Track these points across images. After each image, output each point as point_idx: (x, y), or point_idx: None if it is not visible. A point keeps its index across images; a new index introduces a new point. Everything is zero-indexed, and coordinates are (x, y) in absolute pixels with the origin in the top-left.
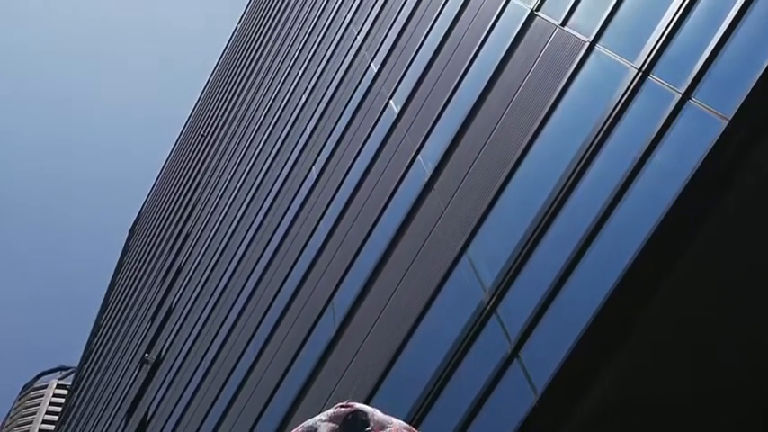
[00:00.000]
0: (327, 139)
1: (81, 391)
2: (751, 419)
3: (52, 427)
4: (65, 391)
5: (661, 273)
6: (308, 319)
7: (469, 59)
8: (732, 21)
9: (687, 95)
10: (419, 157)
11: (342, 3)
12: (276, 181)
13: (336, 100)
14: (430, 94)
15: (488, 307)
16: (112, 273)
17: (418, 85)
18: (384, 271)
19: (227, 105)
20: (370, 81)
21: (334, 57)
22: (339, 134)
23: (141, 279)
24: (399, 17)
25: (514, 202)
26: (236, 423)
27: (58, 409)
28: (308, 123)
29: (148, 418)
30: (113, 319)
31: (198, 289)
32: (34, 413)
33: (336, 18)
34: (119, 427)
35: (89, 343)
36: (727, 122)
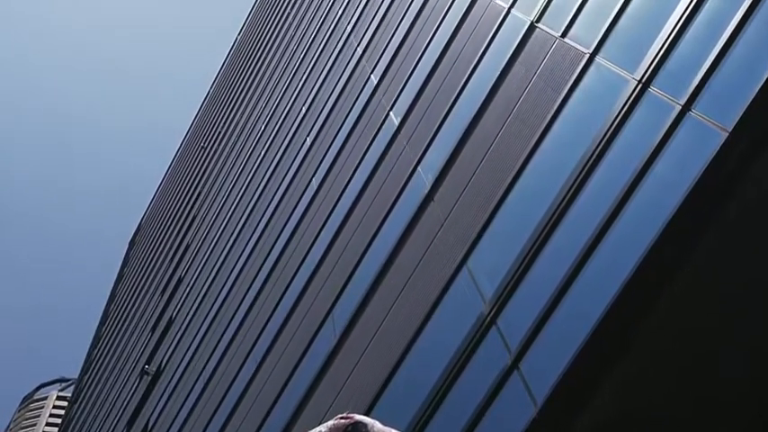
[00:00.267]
0: (327, 151)
1: (81, 402)
2: (751, 431)
3: None
4: (65, 403)
5: (662, 284)
6: (309, 330)
7: (470, 71)
8: (732, 32)
9: (687, 107)
10: (419, 168)
11: (342, 14)
12: (276, 192)
13: (336, 111)
14: (430, 105)
15: (488, 318)
16: (113, 284)
17: (418, 97)
18: (384, 282)
19: (228, 117)
20: (370, 92)
21: (334, 68)
22: (339, 145)
23: (141, 290)
24: (400, 28)
25: (515, 213)
26: None
27: (58, 420)
28: (308, 135)
29: (148, 430)
30: (113, 331)
31: (198, 300)
32: (34, 425)
33: (337, 29)
34: None
35: (89, 354)
36: (728, 134)
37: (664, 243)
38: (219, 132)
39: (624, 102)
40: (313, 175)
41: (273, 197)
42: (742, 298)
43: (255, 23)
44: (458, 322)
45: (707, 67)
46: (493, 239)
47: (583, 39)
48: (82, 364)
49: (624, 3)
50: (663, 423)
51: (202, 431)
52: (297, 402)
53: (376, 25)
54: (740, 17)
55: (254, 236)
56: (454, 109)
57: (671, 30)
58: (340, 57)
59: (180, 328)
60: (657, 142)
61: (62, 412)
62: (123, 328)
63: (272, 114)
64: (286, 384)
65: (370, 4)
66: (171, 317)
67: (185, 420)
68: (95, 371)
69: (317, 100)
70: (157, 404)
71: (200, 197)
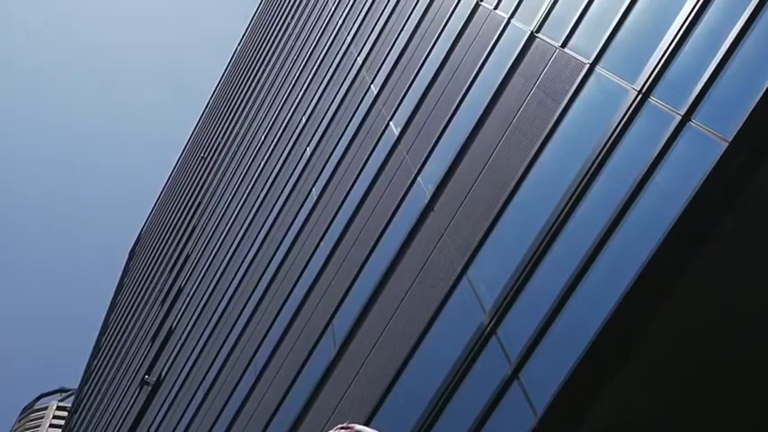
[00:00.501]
0: (327, 161)
1: (81, 413)
2: None
3: None
4: (65, 413)
5: (662, 293)
6: (308, 340)
7: (470, 81)
8: (732, 43)
9: (687, 117)
10: (419, 178)
11: (342, 24)
12: (276, 202)
13: (336, 121)
14: (430, 115)
15: (488, 328)
16: (113, 294)
17: (419, 107)
18: (384, 292)
19: (228, 127)
20: (370, 103)
21: (334, 78)
22: (339, 156)
23: (141, 300)
24: (400, 38)
25: (515, 223)
26: None
27: (59, 431)
28: (308, 145)
29: None
30: (113, 341)
31: (198, 310)
32: None
33: (337, 40)
34: None
35: (89, 365)
36: (727, 144)
37: (664, 253)
38: (219, 143)
39: (624, 112)
40: (313, 186)
41: (273, 207)
42: (743, 306)
43: (256, 34)
44: (458, 332)
45: (707, 77)
46: (493, 249)
47: (583, 49)
48: (82, 375)
49: (624, 13)
50: (663, 430)
51: None
52: (297, 413)
53: (376, 35)
54: (740, 28)
55: (254, 246)
56: (454, 119)
57: (671, 40)
58: (340, 67)
59: (180, 338)
60: (657, 152)
61: (62, 423)
62: (123, 339)
63: (271, 125)
64: (286, 395)
65: (370, 14)
66: (171, 327)
67: (185, 430)
68: (95, 381)
69: (317, 110)
70: (157, 414)
71: (200, 207)
